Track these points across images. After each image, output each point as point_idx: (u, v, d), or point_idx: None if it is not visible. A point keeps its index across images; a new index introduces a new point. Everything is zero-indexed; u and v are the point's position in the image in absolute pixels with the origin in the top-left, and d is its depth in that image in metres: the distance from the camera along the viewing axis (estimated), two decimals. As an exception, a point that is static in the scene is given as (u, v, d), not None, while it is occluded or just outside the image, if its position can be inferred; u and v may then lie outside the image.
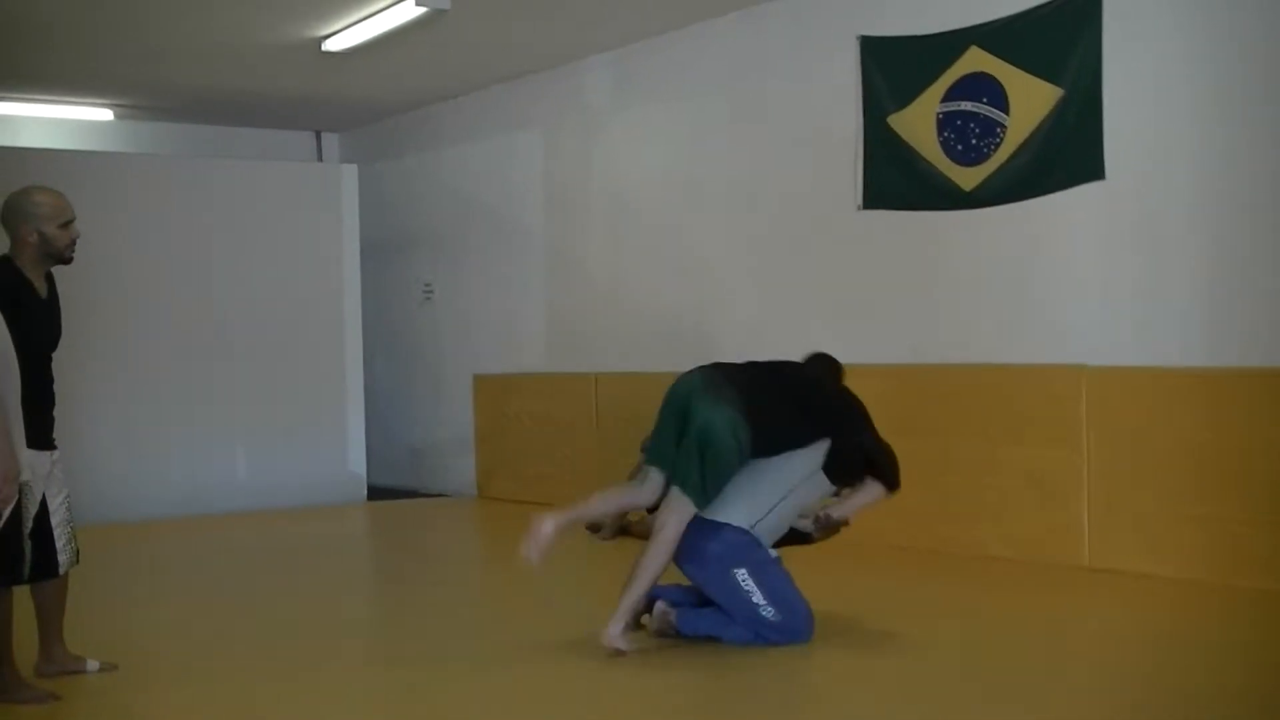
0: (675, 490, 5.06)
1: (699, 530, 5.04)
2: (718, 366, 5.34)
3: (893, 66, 7.74)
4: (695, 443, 5.00)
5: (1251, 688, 4.36)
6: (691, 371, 5.30)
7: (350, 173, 11.10)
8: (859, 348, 8.03)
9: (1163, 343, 6.62)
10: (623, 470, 8.72)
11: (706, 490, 5.02)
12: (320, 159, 12.62)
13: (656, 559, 5.04)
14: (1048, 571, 6.66)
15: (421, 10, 8.26)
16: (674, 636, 5.19)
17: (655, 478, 5.18)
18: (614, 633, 4.99)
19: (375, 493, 11.05)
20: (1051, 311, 7.10)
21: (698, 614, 5.18)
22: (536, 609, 6.13)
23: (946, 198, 7.50)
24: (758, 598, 5.03)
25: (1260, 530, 6.14)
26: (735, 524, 5.06)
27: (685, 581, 5.29)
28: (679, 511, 5.03)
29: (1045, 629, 5.52)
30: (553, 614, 5.99)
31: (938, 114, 7.51)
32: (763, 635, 5.07)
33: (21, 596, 4.66)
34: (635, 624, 5.20)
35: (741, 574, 5.03)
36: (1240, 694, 4.22)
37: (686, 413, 5.09)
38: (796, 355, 8.44)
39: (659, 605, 5.24)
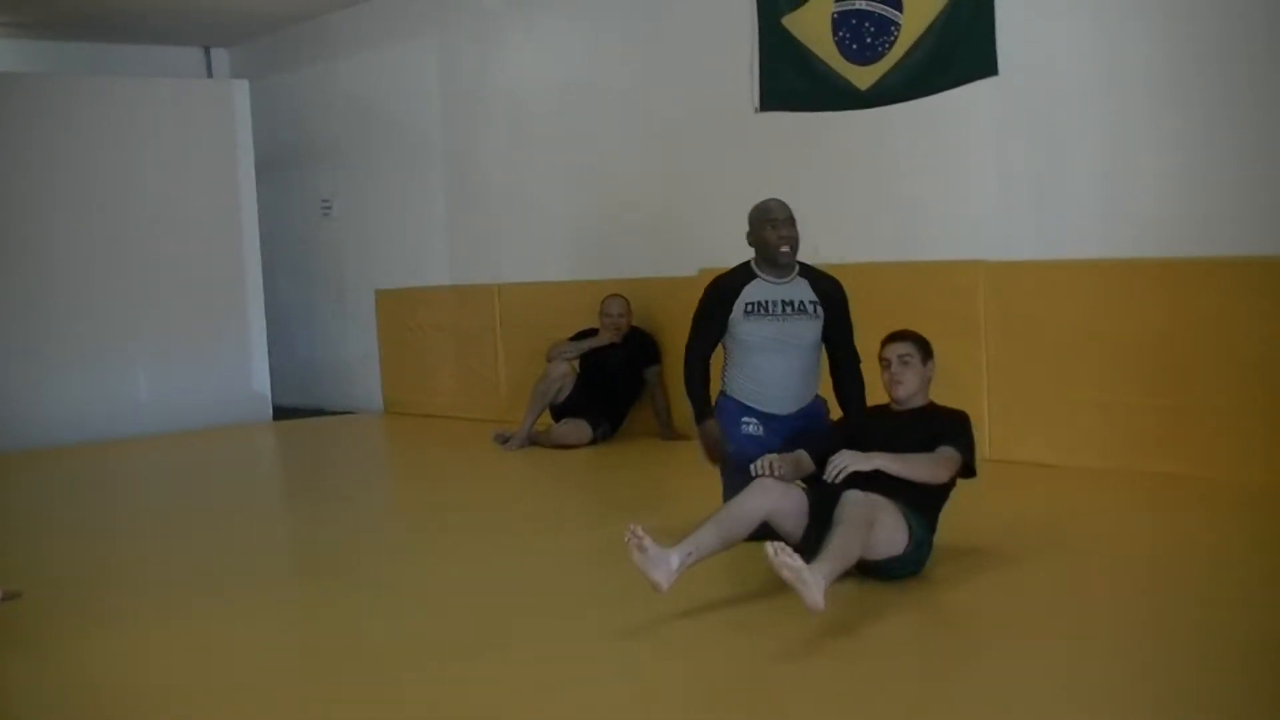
0: None
1: None
2: None
3: (786, -34, 7.71)
4: None
5: (1157, 563, 4.48)
6: None
7: (241, 88, 10.86)
8: (760, 250, 8.06)
9: (1058, 236, 6.72)
10: (527, 380, 8.73)
11: None
12: (210, 75, 12.36)
13: None
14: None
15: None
16: None
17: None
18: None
19: (281, 412, 10.96)
20: (949, 208, 7.17)
21: None
22: (453, 520, 6.19)
23: (843, 97, 7.50)
24: None
25: (1156, 415, 6.30)
26: None
27: None
28: None
29: (952, 519, 5.60)
30: (469, 525, 6.04)
31: (832, 13, 7.50)
32: None
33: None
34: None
35: None
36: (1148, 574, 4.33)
37: None
38: (698, 260, 8.45)
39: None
